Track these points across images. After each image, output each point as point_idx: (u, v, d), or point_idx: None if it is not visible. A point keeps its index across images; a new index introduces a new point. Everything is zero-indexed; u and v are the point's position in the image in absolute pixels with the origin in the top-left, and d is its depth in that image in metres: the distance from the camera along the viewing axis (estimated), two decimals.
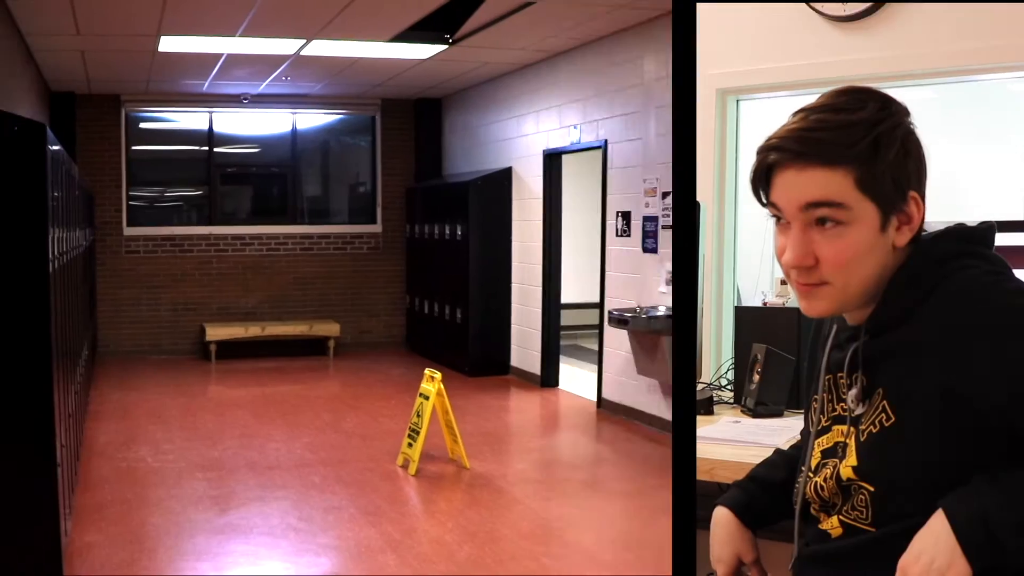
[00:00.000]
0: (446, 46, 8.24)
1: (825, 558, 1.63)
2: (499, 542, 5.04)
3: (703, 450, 2.55)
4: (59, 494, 4.16)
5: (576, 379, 9.44)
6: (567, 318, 9.86)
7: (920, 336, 1.48)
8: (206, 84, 10.38)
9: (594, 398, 8.44)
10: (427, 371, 6.47)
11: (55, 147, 4.57)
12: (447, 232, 10.44)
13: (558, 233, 9.27)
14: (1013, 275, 1.55)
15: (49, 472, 4.05)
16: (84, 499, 5.64)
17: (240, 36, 7.75)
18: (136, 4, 6.86)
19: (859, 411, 1.58)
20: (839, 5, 4.39)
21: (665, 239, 7.33)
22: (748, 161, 2.48)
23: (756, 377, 3.27)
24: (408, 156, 12.06)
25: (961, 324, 1.44)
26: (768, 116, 5.17)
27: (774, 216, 1.56)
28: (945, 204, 3.69)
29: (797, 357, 3.21)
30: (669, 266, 7.30)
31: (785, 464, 1.92)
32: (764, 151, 1.54)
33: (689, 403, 2.37)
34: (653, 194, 7.44)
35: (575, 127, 8.58)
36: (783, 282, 3.58)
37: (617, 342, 7.91)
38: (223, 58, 8.80)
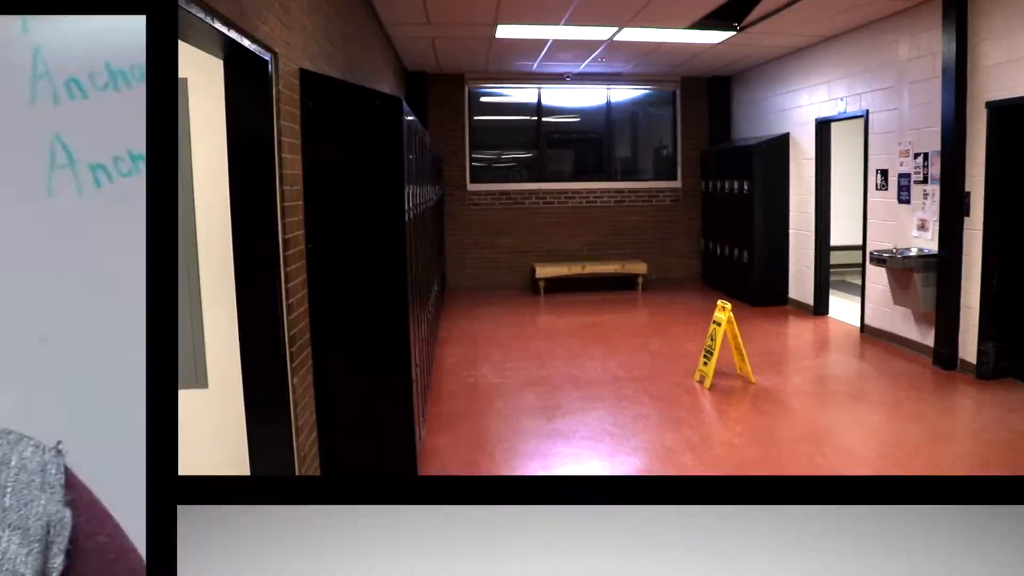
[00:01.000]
0: (734, 32, 8.86)
1: None
2: (779, 444, 5.48)
3: None
4: (414, 404, 4.49)
5: (843, 308, 9.79)
6: (835, 258, 10.20)
7: None
8: (535, 64, 11.22)
9: (858, 324, 8.89)
10: (719, 302, 7.00)
11: (409, 117, 4.77)
12: (735, 188, 11.18)
13: (828, 188, 9.81)
14: None
15: (406, 387, 4.39)
16: (435, 410, 6.12)
17: (564, 24, 8.45)
18: None
19: None
20: None
21: (917, 192, 7.70)
22: None
23: None
24: (703, 124, 12.78)
25: None
26: None
27: None
28: None
29: None
30: (920, 214, 7.61)
31: None
32: None
33: None
34: (907, 155, 7.86)
35: (842, 99, 9.13)
36: None
37: (877, 277, 8.33)
38: (549, 43, 9.54)
